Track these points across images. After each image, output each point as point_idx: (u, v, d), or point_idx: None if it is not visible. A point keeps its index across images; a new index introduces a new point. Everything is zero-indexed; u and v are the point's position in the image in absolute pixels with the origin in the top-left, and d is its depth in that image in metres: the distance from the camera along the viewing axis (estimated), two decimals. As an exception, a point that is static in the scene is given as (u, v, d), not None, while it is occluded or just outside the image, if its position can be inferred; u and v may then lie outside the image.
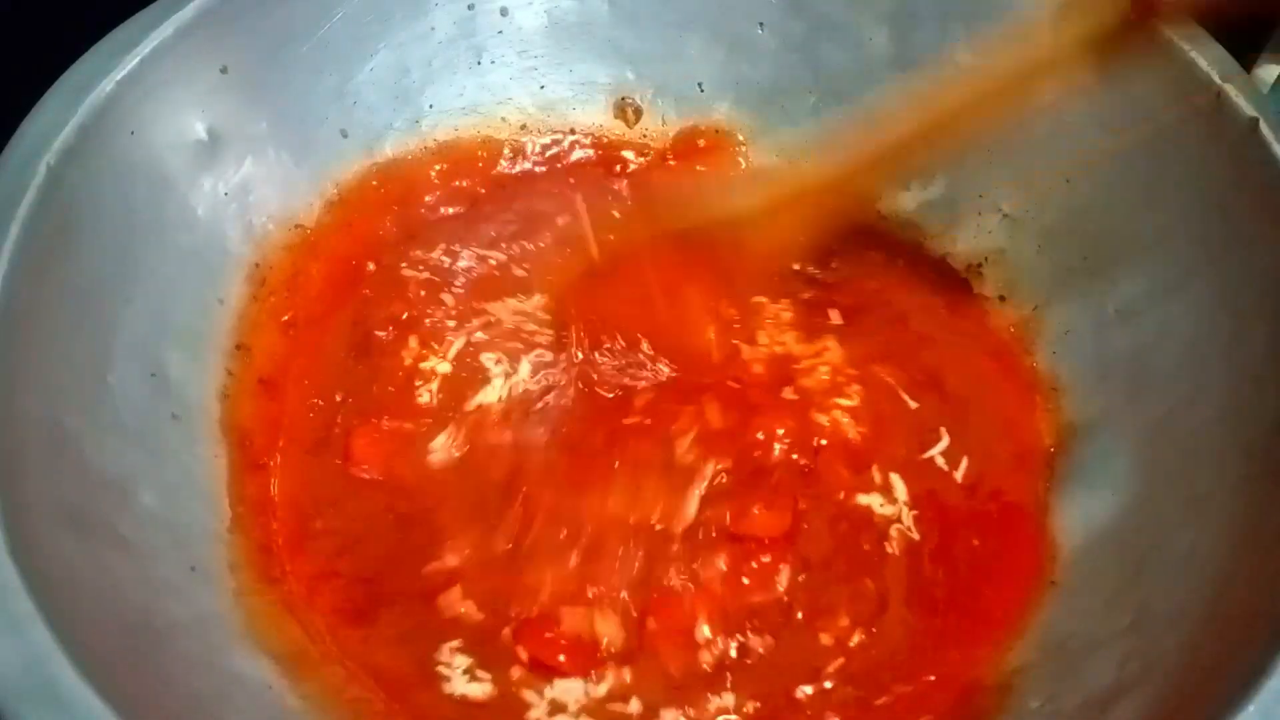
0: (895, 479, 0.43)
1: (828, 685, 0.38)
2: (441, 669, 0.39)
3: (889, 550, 0.41)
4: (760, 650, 0.39)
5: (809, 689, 0.38)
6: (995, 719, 0.37)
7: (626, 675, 0.38)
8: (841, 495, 0.42)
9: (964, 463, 0.43)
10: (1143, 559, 0.38)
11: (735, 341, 0.46)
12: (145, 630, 0.34)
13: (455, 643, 0.39)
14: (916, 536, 0.42)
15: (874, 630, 0.39)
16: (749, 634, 0.39)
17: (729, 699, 0.38)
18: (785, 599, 0.40)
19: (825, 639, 0.39)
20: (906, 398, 0.45)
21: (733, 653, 0.39)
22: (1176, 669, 0.34)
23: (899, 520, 0.42)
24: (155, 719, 0.31)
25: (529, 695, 0.38)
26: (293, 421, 0.44)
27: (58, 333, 0.37)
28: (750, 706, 0.38)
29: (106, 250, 0.40)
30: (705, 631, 0.39)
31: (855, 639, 0.39)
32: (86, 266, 0.39)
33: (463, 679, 0.38)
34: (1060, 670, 0.37)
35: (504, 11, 0.51)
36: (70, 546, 0.33)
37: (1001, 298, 0.48)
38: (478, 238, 0.50)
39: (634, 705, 0.38)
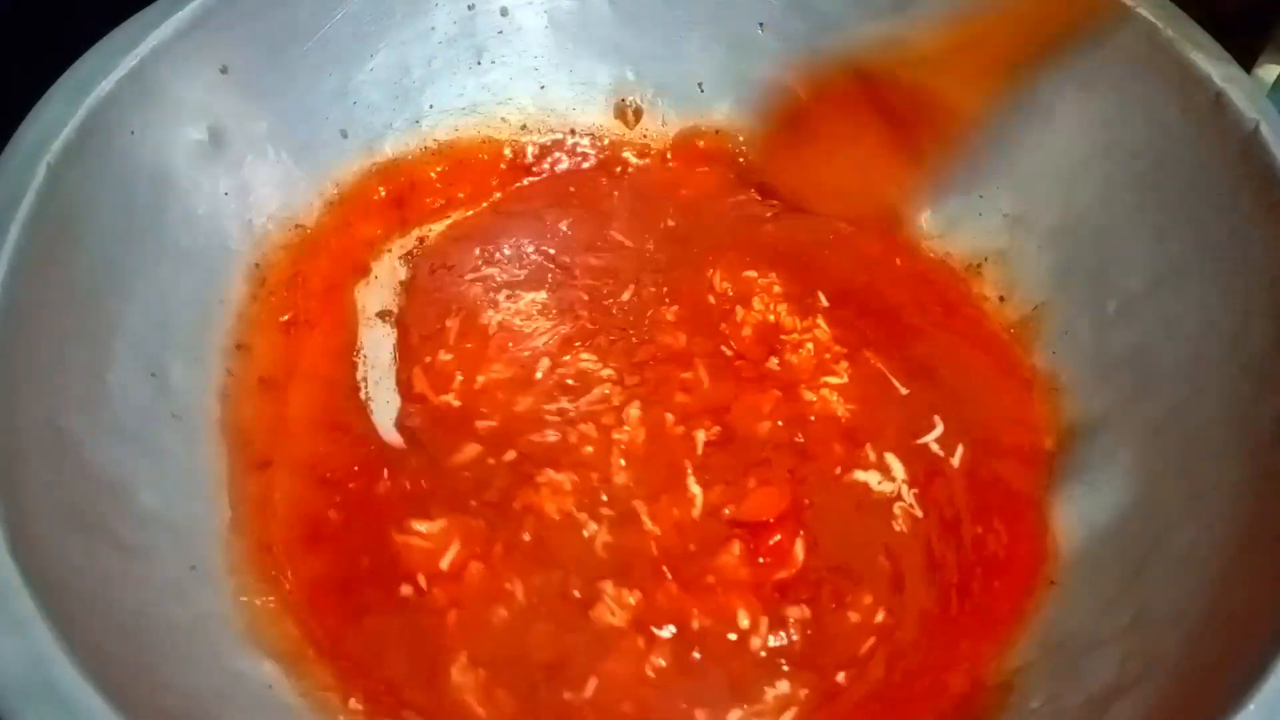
0: (891, 458, 0.43)
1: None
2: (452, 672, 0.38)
3: (897, 528, 0.41)
4: (802, 624, 0.39)
5: (845, 675, 0.38)
6: (997, 718, 0.37)
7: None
8: (838, 470, 0.42)
9: (959, 450, 0.43)
10: (1143, 558, 0.38)
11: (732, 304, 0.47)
12: (145, 630, 0.34)
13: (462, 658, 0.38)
14: (920, 514, 0.42)
15: (894, 609, 0.39)
16: (787, 608, 0.39)
17: (784, 685, 0.38)
18: (810, 575, 0.40)
19: (853, 616, 0.39)
20: (896, 383, 0.45)
21: (780, 633, 0.39)
22: (1177, 669, 0.34)
23: (900, 498, 0.42)
24: (155, 719, 0.31)
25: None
26: (293, 421, 0.44)
27: (58, 333, 0.37)
28: (803, 693, 0.38)
29: (107, 250, 0.40)
30: (745, 620, 0.39)
31: (879, 616, 0.39)
32: (86, 266, 0.39)
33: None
34: (1061, 669, 0.37)
35: (504, 11, 0.51)
36: (70, 546, 0.33)
37: (1001, 298, 0.48)
38: (480, 236, 0.50)
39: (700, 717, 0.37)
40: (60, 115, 0.38)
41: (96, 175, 0.39)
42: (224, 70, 0.44)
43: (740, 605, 0.39)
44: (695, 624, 0.39)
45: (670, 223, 0.51)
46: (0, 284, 0.35)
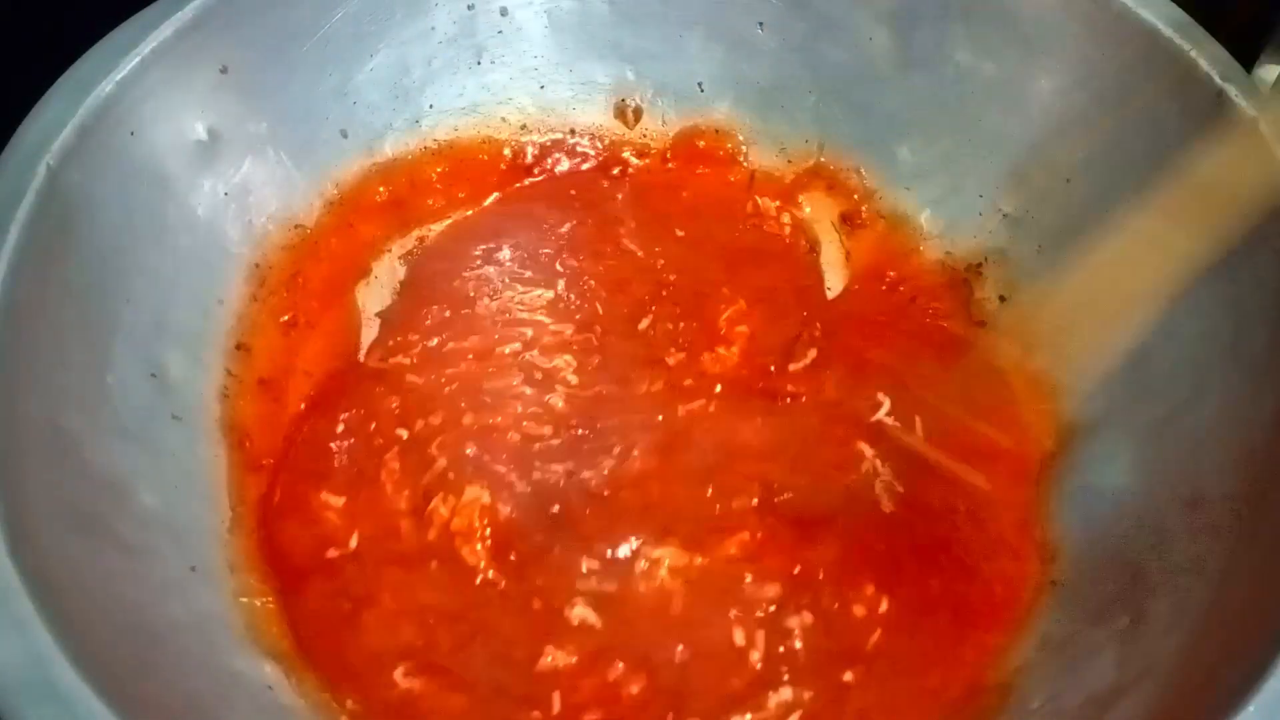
0: (884, 459, 0.43)
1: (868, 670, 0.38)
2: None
3: (885, 509, 0.41)
4: (805, 631, 0.38)
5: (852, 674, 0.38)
6: (997, 718, 0.37)
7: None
8: (830, 474, 0.42)
9: (952, 450, 0.43)
10: (1143, 559, 0.38)
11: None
12: (145, 630, 0.34)
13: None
14: (919, 516, 0.41)
15: (898, 597, 0.39)
16: (788, 619, 0.38)
17: (786, 693, 0.37)
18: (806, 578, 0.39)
19: (859, 610, 0.39)
20: (891, 384, 0.45)
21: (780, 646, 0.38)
22: (1176, 669, 0.34)
23: (901, 504, 0.42)
24: (155, 719, 0.31)
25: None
26: (292, 421, 0.44)
27: (58, 333, 0.37)
28: (806, 695, 0.37)
29: (106, 250, 0.40)
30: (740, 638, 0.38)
31: (883, 606, 0.39)
32: (86, 267, 0.39)
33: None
34: (1061, 670, 0.37)
35: (504, 11, 0.51)
36: (70, 546, 0.33)
37: (1001, 298, 0.48)
38: (480, 236, 0.50)
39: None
40: (60, 115, 0.38)
41: (96, 175, 0.39)
42: (224, 70, 0.44)
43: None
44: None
45: (679, 232, 0.50)
46: (0, 284, 0.35)
